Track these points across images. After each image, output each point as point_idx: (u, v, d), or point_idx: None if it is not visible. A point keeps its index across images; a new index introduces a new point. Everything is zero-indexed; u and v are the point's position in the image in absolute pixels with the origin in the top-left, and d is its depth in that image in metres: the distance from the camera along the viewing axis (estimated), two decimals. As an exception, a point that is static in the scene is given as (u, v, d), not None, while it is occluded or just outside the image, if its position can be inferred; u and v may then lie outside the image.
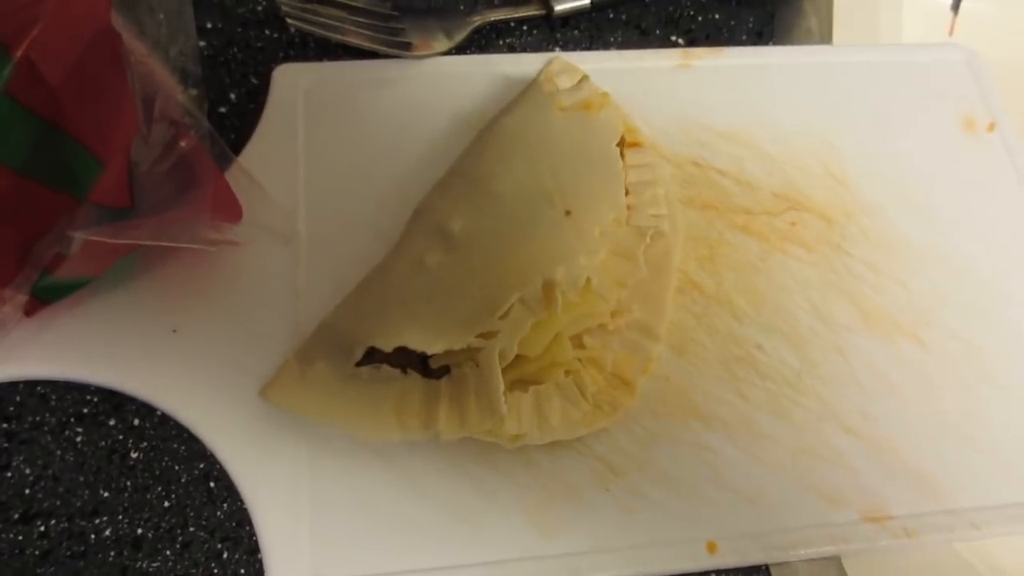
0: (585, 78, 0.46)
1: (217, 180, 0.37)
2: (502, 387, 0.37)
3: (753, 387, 0.43)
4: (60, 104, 0.31)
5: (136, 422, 0.41)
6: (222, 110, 0.48)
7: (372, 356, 0.38)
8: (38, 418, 0.41)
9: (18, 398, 0.41)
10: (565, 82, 0.47)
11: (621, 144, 0.45)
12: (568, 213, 0.40)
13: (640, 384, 0.41)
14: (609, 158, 0.43)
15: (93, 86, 0.31)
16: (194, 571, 0.39)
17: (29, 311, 0.37)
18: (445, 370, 0.39)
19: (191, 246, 0.35)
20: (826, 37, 0.56)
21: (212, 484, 0.40)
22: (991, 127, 0.52)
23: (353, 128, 0.47)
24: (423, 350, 0.37)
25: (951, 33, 0.65)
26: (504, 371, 0.37)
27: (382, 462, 0.39)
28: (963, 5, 0.64)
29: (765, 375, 0.43)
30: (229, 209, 0.40)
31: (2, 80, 0.30)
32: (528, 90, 0.46)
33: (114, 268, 0.39)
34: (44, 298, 0.37)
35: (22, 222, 0.34)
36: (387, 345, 0.37)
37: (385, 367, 0.38)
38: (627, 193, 0.44)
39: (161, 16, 0.33)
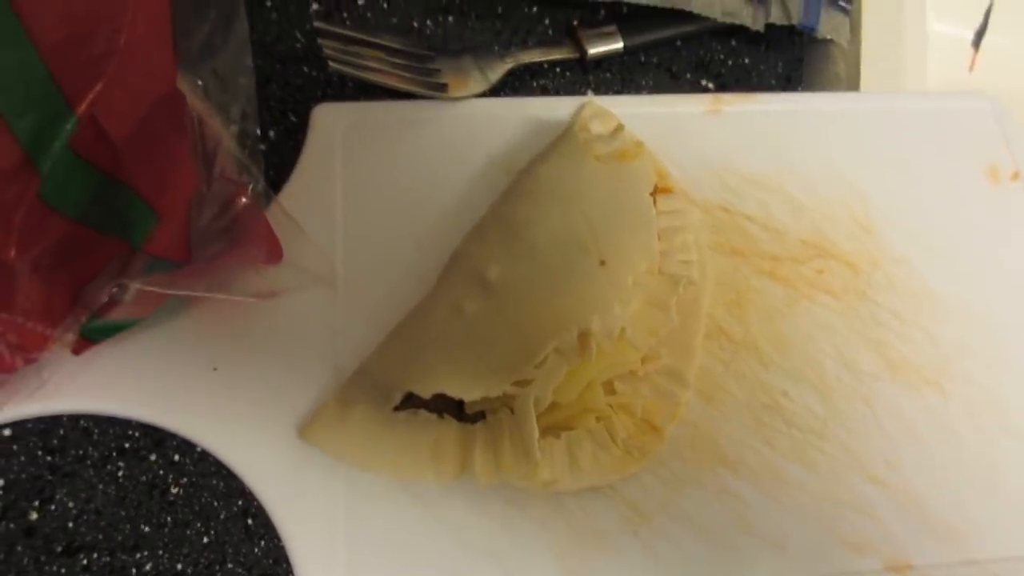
0: (620, 127, 0.47)
1: (265, 229, 0.38)
2: (536, 434, 0.37)
3: (779, 434, 0.44)
4: (121, 160, 0.32)
5: (176, 458, 0.42)
6: (261, 147, 0.49)
7: (410, 400, 0.39)
8: (81, 451, 0.41)
9: (62, 431, 0.42)
10: (598, 127, 0.48)
11: (653, 191, 0.46)
12: (603, 263, 0.41)
13: (669, 430, 0.42)
14: (643, 208, 0.44)
15: (155, 145, 0.32)
16: (231, 607, 0.40)
17: (77, 350, 0.38)
18: (480, 415, 0.40)
19: (241, 298, 0.36)
20: (853, 81, 0.57)
21: (250, 521, 0.41)
22: (1015, 176, 0.52)
23: (390, 168, 0.48)
24: (461, 397, 0.38)
25: (971, 69, 0.65)
26: (538, 418, 0.38)
27: (417, 503, 0.40)
28: (984, 41, 0.65)
29: (791, 422, 0.44)
30: (270, 251, 0.41)
31: (65, 135, 0.31)
32: (563, 137, 0.47)
33: (159, 308, 0.40)
34: (92, 338, 0.38)
35: (75, 267, 0.35)
36: (425, 392, 0.38)
37: (422, 412, 0.39)
38: (658, 239, 0.44)
39: (223, 78, 0.34)
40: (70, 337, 0.38)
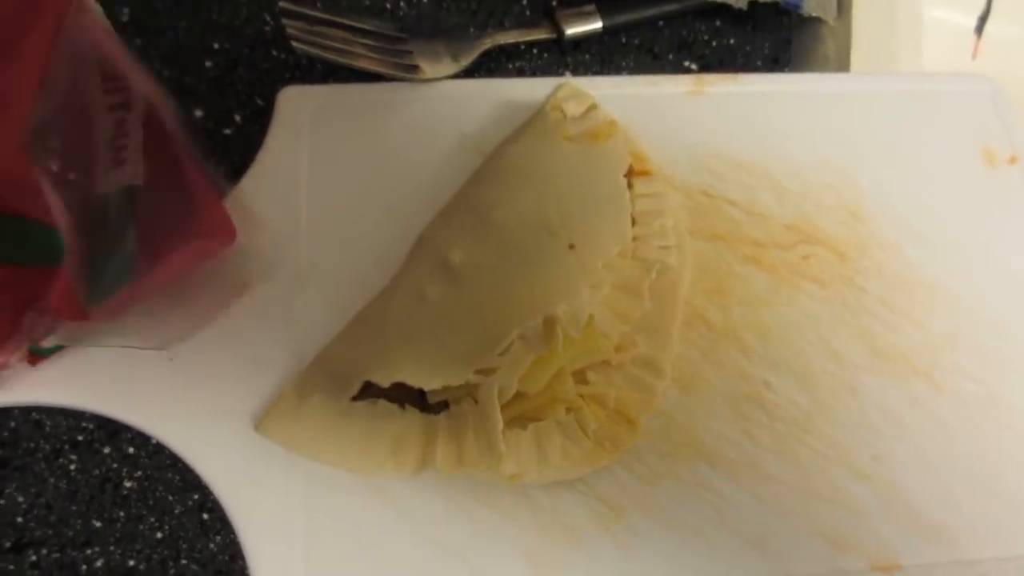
0: (593, 106, 0.45)
1: (211, 207, 0.36)
2: (500, 425, 0.36)
3: (760, 427, 0.42)
4: (7, 196, 0.30)
5: (131, 451, 0.40)
6: (227, 131, 0.48)
7: (369, 389, 0.38)
8: (32, 445, 0.40)
9: (13, 424, 0.41)
10: (574, 108, 0.46)
11: (629, 173, 0.44)
12: (572, 247, 0.40)
13: (643, 421, 0.40)
14: (616, 190, 0.42)
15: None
16: (185, 605, 0.38)
17: (32, 363, 0.37)
18: (444, 405, 0.38)
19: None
20: (843, 63, 0.55)
21: (206, 516, 0.39)
22: (1012, 159, 0.50)
23: (358, 152, 0.46)
24: (421, 386, 0.37)
25: (974, 56, 0.63)
26: (504, 408, 0.36)
27: (378, 497, 0.39)
28: (987, 28, 0.63)
29: (773, 415, 0.42)
30: (222, 233, 0.39)
31: None
32: (534, 118, 0.45)
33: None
34: (45, 354, 0.37)
35: (4, 301, 0.33)
36: (384, 380, 0.37)
37: (382, 402, 0.38)
38: (634, 223, 0.43)
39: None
40: (17, 358, 0.36)
